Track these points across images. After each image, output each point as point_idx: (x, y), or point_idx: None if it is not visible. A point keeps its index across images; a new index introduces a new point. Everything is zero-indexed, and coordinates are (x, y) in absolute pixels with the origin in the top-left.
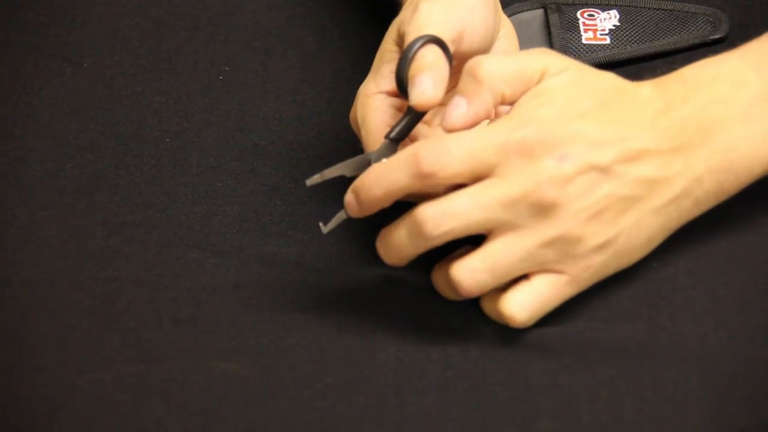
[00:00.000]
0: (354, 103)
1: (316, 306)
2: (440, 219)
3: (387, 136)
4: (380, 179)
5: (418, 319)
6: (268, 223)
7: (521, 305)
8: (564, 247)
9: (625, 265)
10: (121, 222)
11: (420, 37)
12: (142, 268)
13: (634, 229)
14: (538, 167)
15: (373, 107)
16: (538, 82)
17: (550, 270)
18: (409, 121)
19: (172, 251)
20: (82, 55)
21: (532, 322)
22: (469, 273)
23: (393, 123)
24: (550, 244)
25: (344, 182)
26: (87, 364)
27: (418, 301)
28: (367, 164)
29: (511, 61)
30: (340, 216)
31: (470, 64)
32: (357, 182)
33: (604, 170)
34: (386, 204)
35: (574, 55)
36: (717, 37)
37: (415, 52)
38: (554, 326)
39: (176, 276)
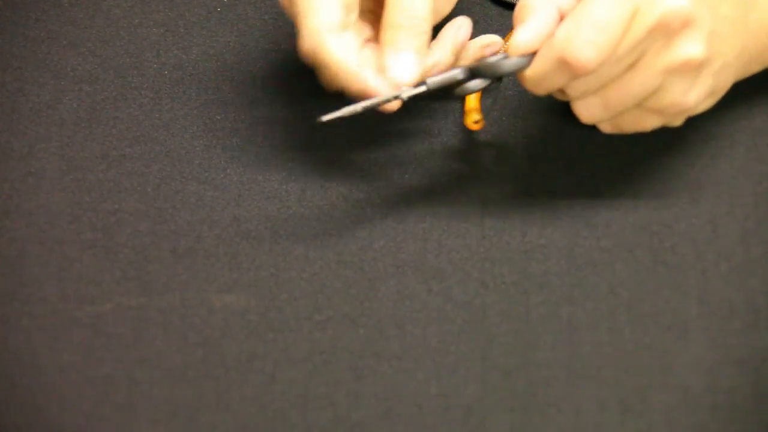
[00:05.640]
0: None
1: (317, 239)
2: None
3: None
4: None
5: (418, 251)
6: (268, 156)
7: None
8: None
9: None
10: (120, 155)
11: None
12: (141, 201)
13: None
14: None
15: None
16: None
17: None
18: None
19: (171, 184)
20: None
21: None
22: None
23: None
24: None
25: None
26: (87, 296)
27: (419, 234)
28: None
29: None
30: (349, 109)
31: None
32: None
33: None
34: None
35: None
36: None
37: None
38: (554, 258)
39: (176, 209)
